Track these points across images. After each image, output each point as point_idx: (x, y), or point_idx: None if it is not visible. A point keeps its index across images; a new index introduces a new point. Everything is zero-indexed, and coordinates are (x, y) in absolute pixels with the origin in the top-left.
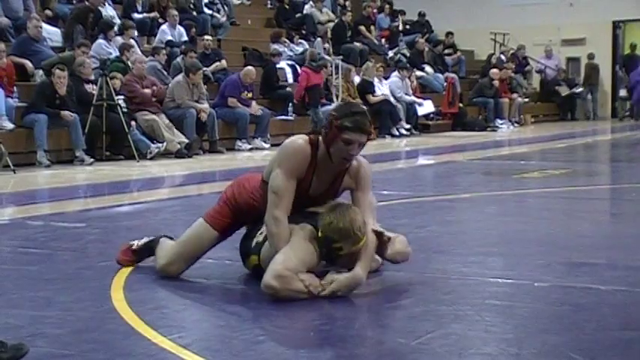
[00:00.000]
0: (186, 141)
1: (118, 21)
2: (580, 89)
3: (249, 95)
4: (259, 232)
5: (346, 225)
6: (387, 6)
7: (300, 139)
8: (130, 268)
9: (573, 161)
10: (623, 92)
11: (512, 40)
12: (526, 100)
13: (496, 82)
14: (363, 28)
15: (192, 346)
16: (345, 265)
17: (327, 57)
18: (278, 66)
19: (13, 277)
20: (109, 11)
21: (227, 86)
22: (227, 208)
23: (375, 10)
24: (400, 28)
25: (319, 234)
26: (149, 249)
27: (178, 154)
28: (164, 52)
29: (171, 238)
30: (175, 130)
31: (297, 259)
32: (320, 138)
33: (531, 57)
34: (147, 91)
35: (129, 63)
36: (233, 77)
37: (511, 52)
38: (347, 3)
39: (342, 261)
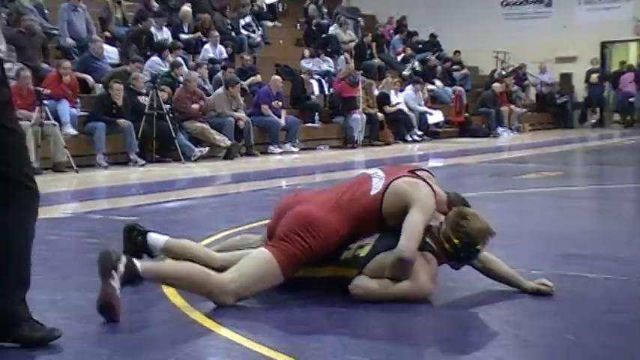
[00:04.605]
0: (232, 143)
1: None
2: (565, 99)
3: (280, 104)
4: (357, 246)
5: (481, 225)
6: (404, 29)
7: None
8: None
9: (566, 164)
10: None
11: (513, 57)
12: (524, 110)
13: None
14: (375, 44)
15: (230, 324)
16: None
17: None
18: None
19: (77, 264)
20: (164, 34)
21: (260, 96)
22: (304, 258)
23: (391, 31)
24: (409, 51)
25: (455, 241)
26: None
27: (227, 156)
28: (205, 66)
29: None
30: (221, 134)
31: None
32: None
33: (529, 73)
34: (195, 106)
35: (179, 78)
36: (264, 88)
37: (511, 68)
38: (362, 25)
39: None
